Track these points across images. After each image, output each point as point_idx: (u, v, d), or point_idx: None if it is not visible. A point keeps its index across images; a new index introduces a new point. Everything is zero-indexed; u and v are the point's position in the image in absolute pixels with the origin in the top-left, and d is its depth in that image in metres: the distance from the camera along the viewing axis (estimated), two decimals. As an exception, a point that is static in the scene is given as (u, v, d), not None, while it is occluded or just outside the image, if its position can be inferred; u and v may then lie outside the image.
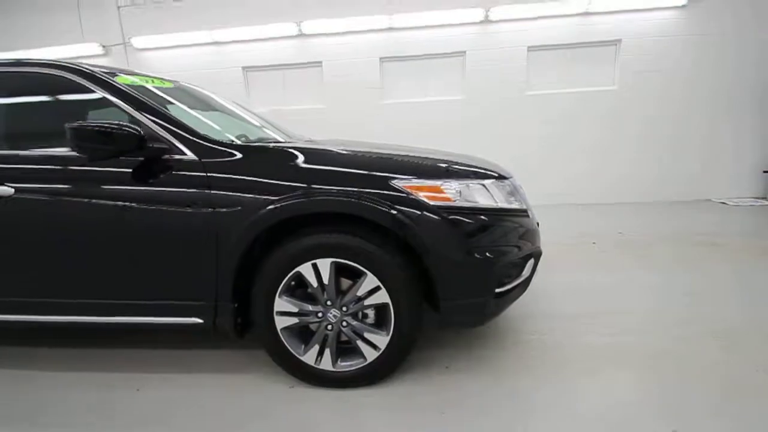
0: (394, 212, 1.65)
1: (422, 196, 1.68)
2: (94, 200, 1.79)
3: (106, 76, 1.94)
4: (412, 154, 1.97)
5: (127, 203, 1.76)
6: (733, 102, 5.51)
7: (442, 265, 1.68)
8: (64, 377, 2.05)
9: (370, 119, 5.89)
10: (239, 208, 1.70)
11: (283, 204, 1.66)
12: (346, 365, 1.82)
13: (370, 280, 1.71)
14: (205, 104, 2.50)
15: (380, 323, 1.81)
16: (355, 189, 1.67)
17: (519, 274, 1.91)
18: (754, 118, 5.55)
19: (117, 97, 1.87)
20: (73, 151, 1.73)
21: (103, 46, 6.05)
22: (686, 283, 2.88)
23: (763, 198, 5.64)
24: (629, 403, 1.69)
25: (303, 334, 1.85)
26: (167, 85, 2.34)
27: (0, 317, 1.93)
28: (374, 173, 1.73)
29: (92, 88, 1.90)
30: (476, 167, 1.91)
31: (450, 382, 1.87)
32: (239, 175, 1.74)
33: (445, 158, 1.96)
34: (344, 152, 1.91)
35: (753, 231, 4.30)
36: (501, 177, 1.92)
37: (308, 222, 1.75)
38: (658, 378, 1.83)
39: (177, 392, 1.89)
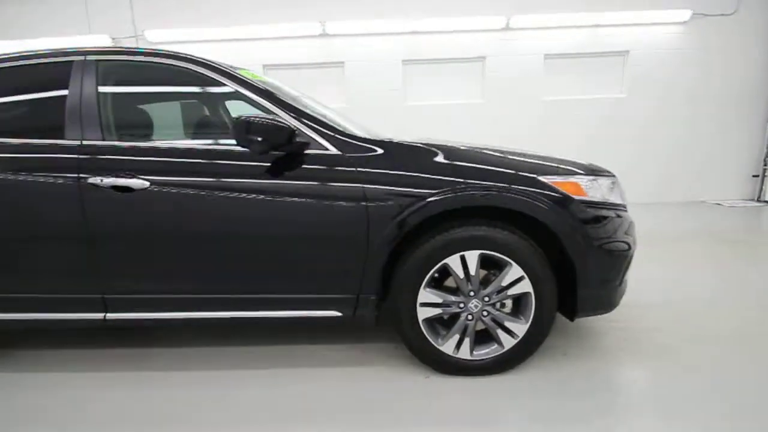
0: (548, 207, 1.75)
1: (567, 191, 1.79)
2: (236, 194, 1.77)
3: (234, 70, 1.92)
4: (530, 153, 2.06)
5: (270, 197, 1.76)
6: (725, 111, 6.02)
7: (584, 255, 1.79)
8: (225, 375, 2.00)
9: (391, 120, 5.95)
10: (391, 202, 1.74)
11: (443, 197, 1.72)
12: (482, 353, 1.89)
13: (515, 271, 1.79)
14: (299, 99, 2.51)
15: (516, 312, 1.90)
16: (508, 185, 1.76)
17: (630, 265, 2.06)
18: (743, 127, 6.08)
19: (252, 92, 1.87)
20: (238, 145, 1.72)
21: (113, 39, 5.79)
22: (735, 275, 3.18)
23: (751, 199, 6.18)
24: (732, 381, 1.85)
25: (440, 324, 1.90)
26: (264, 78, 2.33)
27: (159, 315, 1.87)
28: (521, 171, 1.81)
29: (224, 82, 1.88)
30: (598, 167, 2.04)
31: (572, 368, 1.98)
32: (390, 169, 1.78)
33: (559, 158, 2.08)
34: (487, 151, 1.95)
35: (761, 229, 4.76)
36: (613, 176, 2.06)
37: (449, 216, 1.81)
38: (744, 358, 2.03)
39: (310, 386, 1.89)
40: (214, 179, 1.78)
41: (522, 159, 1.92)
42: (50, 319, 1.91)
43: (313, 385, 1.90)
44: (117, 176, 1.75)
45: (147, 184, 1.75)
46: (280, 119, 1.71)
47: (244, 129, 1.63)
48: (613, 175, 2.08)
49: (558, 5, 5.65)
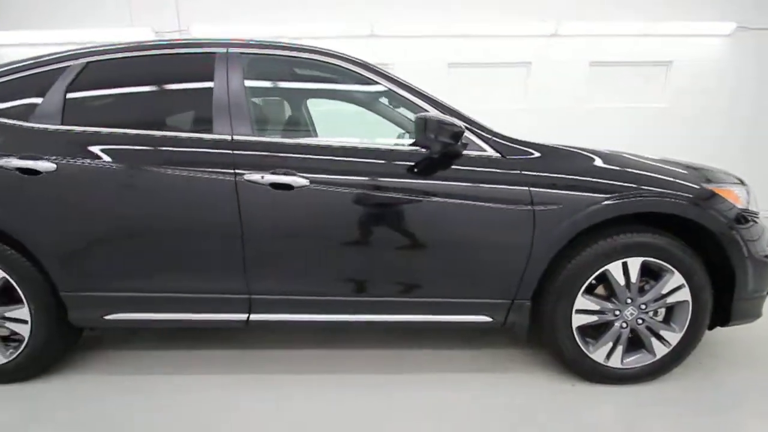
0: (716, 215, 1.73)
1: (730, 199, 1.78)
2: (396, 195, 1.73)
3: (385, 69, 1.88)
4: (674, 160, 2.04)
5: (431, 199, 1.72)
6: (766, 124, 6.11)
7: (745, 263, 1.77)
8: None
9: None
10: (560, 206, 1.71)
11: (618, 201, 1.69)
12: (631, 361, 1.86)
13: (676, 279, 1.77)
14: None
15: (667, 320, 1.88)
16: (680, 192, 1.74)
17: None
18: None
19: (405, 91, 1.83)
20: (416, 143, 1.69)
21: (156, 32, 5.68)
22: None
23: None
24: None
25: (588, 332, 1.86)
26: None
27: (304, 317, 1.83)
28: (686, 179, 1.80)
29: (376, 80, 1.84)
30: (734, 174, 2.03)
31: (713, 377, 1.96)
32: (555, 173, 1.75)
33: (700, 164, 2.06)
34: (639, 158, 1.93)
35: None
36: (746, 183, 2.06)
37: (607, 223, 1.78)
38: None
39: (448, 393, 1.85)
40: (374, 179, 1.74)
41: (676, 167, 1.90)
42: (193, 320, 1.84)
43: (455, 393, 1.85)
44: (276, 173, 1.70)
45: (306, 182, 1.71)
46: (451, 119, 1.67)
47: (424, 127, 1.60)
48: (746, 183, 2.08)
49: (605, 14, 5.69)
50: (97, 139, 1.76)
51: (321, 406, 1.76)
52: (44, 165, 1.70)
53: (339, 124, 2.08)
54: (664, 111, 6.05)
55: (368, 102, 2.15)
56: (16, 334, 1.88)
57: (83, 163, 1.72)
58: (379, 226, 1.76)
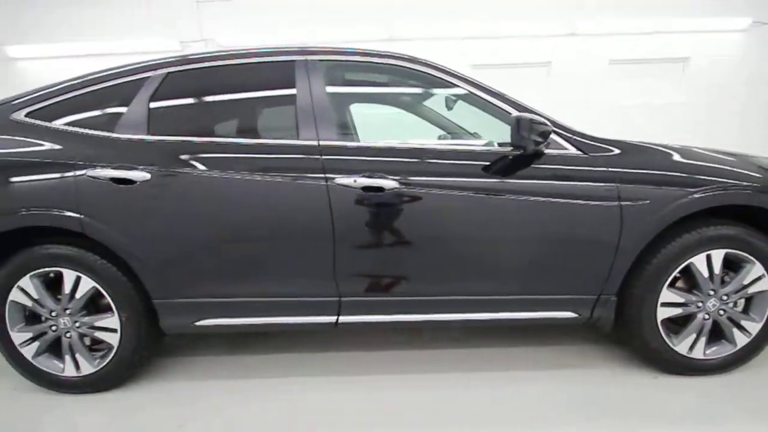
0: None
1: None
2: (484, 195, 1.76)
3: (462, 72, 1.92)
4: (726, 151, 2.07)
5: (519, 198, 1.75)
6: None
7: None
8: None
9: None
10: (648, 201, 1.74)
11: (706, 195, 1.72)
12: (713, 352, 1.89)
13: (756, 270, 1.80)
14: None
15: (746, 310, 1.90)
16: (750, 182, 1.77)
17: None
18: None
19: (486, 93, 1.88)
20: (512, 143, 1.71)
21: (181, 42, 5.71)
22: None
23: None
24: None
25: (669, 325, 1.88)
26: None
27: (391, 318, 1.85)
28: (748, 170, 1.83)
29: (456, 83, 1.89)
30: None
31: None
32: (639, 168, 1.78)
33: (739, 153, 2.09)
34: (712, 152, 1.95)
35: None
36: None
37: (690, 216, 1.79)
38: None
39: (536, 387, 1.88)
40: (462, 180, 1.77)
41: (735, 157, 1.94)
42: (282, 323, 1.87)
43: (540, 387, 1.89)
44: (367, 176, 1.73)
45: (396, 184, 1.73)
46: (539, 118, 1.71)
47: (518, 126, 1.63)
48: None
49: (621, 11, 5.77)
50: (189, 148, 1.79)
51: (421, 403, 1.79)
52: (139, 175, 1.73)
53: (410, 127, 2.13)
54: (682, 106, 6.12)
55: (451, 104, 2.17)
56: (101, 342, 1.91)
57: (176, 172, 1.75)
58: (467, 225, 1.78)
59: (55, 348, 1.89)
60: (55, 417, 1.81)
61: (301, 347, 2.26)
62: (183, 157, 1.77)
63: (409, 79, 1.99)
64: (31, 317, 1.91)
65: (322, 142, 1.80)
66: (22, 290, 1.81)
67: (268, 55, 1.94)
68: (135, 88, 1.90)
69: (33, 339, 1.86)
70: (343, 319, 1.84)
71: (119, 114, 1.87)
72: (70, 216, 1.72)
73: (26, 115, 1.91)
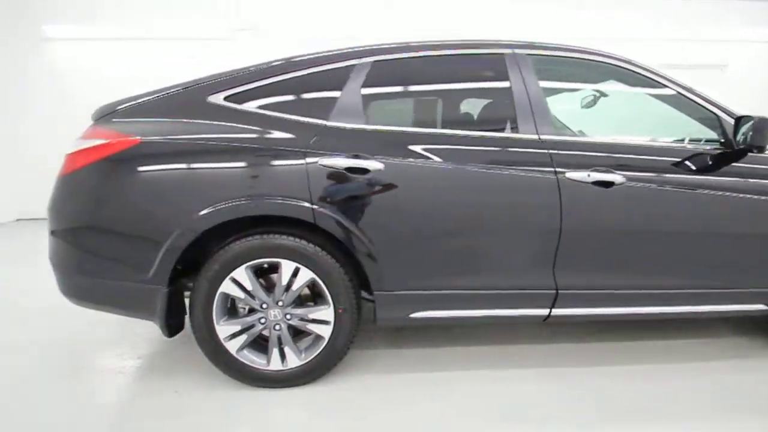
0: None
1: None
2: (705, 192, 1.83)
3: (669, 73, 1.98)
4: None
5: (737, 195, 1.84)
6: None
7: None
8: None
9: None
10: None
11: None
12: None
13: None
14: None
15: None
16: None
17: None
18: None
19: (695, 96, 1.95)
20: (753, 143, 1.78)
21: (231, 30, 5.52)
22: None
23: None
24: None
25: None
26: None
27: (603, 311, 1.90)
28: None
29: (666, 84, 1.94)
30: None
31: None
32: None
33: None
34: None
35: None
36: None
37: None
38: None
39: (698, 384, 1.91)
40: (685, 176, 1.83)
41: None
42: (494, 316, 1.87)
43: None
44: (598, 171, 1.76)
45: (623, 179, 1.77)
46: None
47: (755, 129, 1.71)
48: None
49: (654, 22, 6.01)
50: (418, 138, 1.77)
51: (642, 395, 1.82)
52: (374, 164, 1.70)
53: (646, 124, 2.19)
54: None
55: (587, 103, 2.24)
56: (301, 334, 1.87)
57: (407, 162, 1.73)
58: (682, 221, 1.85)
59: (256, 342, 1.84)
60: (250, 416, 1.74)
61: (481, 341, 2.26)
62: (413, 147, 1.75)
63: (615, 77, 2.04)
64: (233, 310, 1.86)
65: (542, 137, 1.82)
66: (235, 281, 1.75)
67: (475, 47, 1.94)
68: (342, 75, 1.85)
69: (240, 332, 1.80)
70: (556, 311, 1.87)
71: (329, 101, 1.83)
72: (304, 206, 1.68)
73: (225, 99, 1.84)
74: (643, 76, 1.94)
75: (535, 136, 1.81)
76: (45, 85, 5.59)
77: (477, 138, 1.84)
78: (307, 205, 1.68)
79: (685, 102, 1.95)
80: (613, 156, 1.82)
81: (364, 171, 1.70)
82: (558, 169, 1.76)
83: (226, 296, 1.78)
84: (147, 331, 2.37)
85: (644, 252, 1.86)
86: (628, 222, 1.82)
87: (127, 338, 2.33)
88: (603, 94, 2.27)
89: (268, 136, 1.74)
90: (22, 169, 5.57)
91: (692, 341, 2.28)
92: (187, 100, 1.86)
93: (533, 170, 1.76)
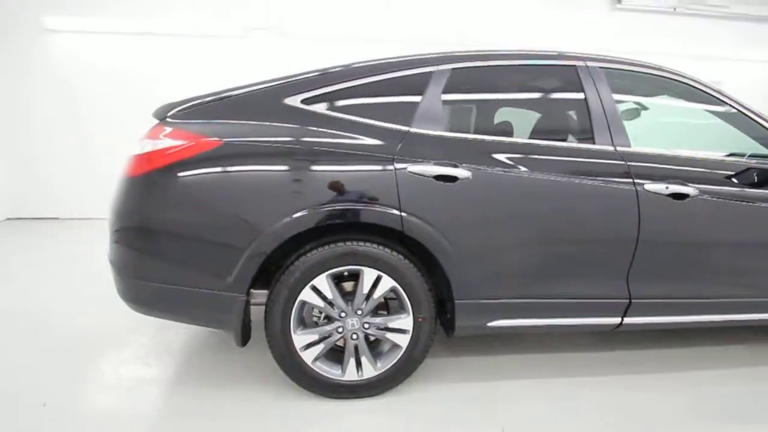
0: None
1: None
2: (758, 204, 1.90)
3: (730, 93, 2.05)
4: None
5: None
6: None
7: None
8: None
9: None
10: None
11: None
12: None
13: None
14: None
15: None
16: None
17: None
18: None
19: (747, 111, 2.02)
20: None
21: (245, 28, 5.40)
22: None
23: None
24: None
25: None
26: None
27: (673, 319, 1.93)
28: None
29: (726, 102, 2.01)
30: None
31: None
32: None
33: None
34: None
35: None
36: None
37: None
38: None
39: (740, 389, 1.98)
40: (751, 191, 1.90)
41: None
42: (567, 324, 1.89)
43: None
44: (674, 183, 1.81)
45: (697, 192, 1.83)
46: None
47: None
48: None
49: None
50: (499, 147, 1.78)
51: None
52: (463, 173, 1.69)
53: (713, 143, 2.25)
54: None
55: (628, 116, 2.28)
56: (375, 342, 1.83)
57: (494, 171, 1.73)
58: (750, 232, 1.92)
59: (330, 351, 1.80)
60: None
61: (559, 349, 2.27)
62: (497, 156, 1.75)
63: (677, 93, 2.10)
64: (303, 320, 1.80)
65: (619, 148, 1.85)
66: (315, 290, 1.70)
67: (548, 58, 1.96)
68: (422, 81, 1.84)
69: (317, 342, 1.75)
70: (628, 320, 1.90)
71: (409, 107, 1.81)
72: (393, 213, 1.65)
73: (302, 101, 1.79)
74: (708, 94, 2.02)
75: (611, 148, 1.85)
76: (44, 79, 5.31)
77: (558, 148, 1.86)
78: (395, 212, 1.65)
79: (744, 120, 2.03)
80: (685, 169, 1.87)
81: (452, 179, 1.69)
82: (637, 181, 1.80)
83: (303, 305, 1.73)
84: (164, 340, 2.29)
85: (712, 262, 1.92)
86: (699, 233, 1.88)
87: (129, 345, 2.24)
88: (644, 107, 2.35)
89: (355, 141, 1.71)
90: (14, 168, 5.27)
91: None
92: (261, 101, 1.80)
93: (614, 181, 1.79)
